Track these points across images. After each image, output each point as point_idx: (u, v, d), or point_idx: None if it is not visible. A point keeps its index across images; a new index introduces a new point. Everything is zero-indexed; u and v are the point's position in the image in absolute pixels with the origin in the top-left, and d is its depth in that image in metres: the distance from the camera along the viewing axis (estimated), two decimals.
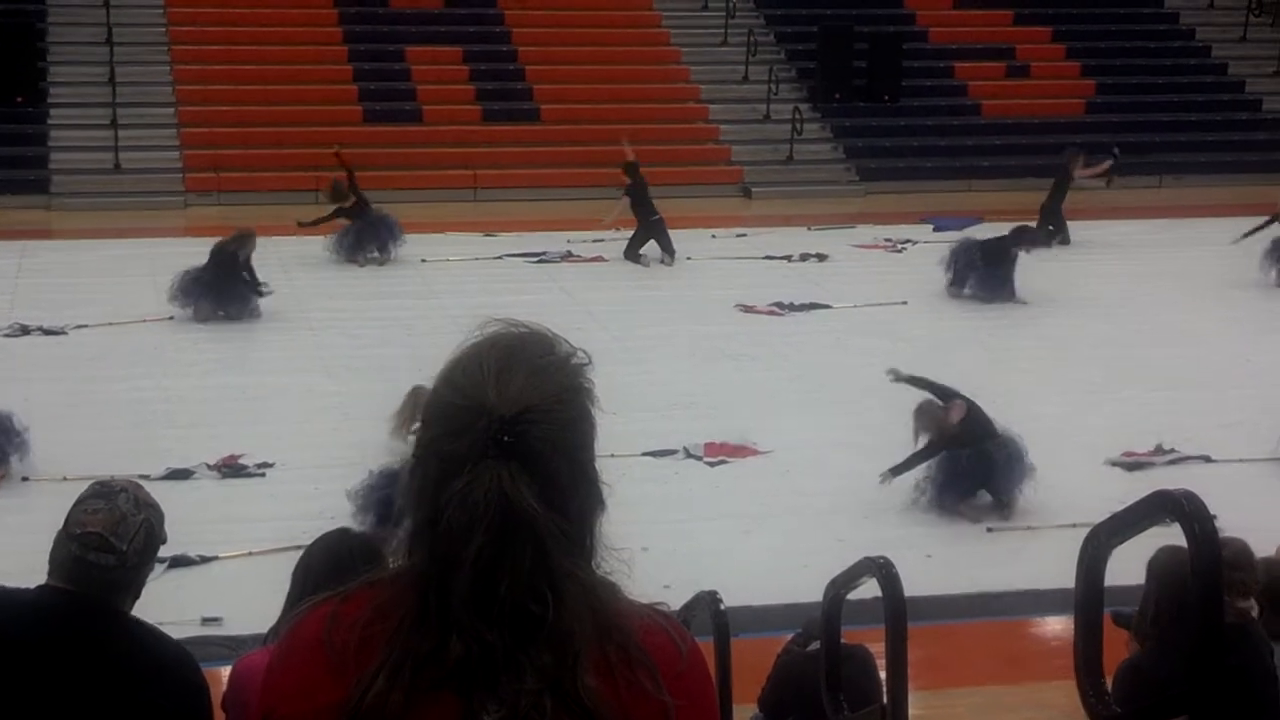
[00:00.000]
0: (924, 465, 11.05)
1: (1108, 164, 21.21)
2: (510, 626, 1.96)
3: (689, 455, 12.20)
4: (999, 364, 14.88)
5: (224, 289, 15.84)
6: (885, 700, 5.46)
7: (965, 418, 10.96)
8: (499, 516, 1.94)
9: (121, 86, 24.04)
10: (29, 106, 23.91)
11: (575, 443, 2.02)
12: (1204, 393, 13.95)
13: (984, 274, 17.21)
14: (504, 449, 1.96)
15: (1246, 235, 18.55)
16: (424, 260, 18.76)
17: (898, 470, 10.92)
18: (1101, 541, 3.99)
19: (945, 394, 11.18)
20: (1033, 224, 18.72)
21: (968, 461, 10.97)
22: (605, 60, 26.39)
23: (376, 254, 18.70)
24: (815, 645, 6.59)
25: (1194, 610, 3.47)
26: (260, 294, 16.10)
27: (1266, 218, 18.61)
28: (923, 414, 11.03)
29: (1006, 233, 17.57)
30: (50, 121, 23.94)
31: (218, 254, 15.96)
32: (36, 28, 24.83)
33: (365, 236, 18.71)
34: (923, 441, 10.95)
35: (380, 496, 9.88)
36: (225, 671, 3.96)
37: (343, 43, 26.00)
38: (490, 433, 1.96)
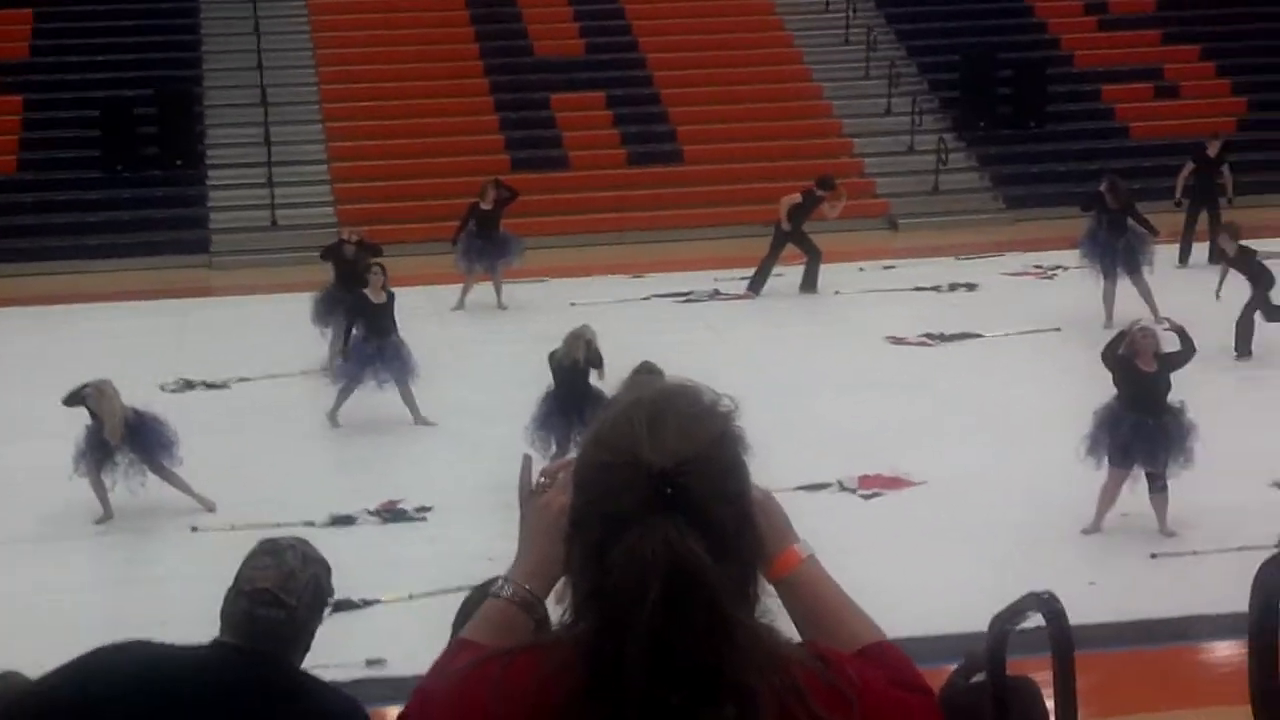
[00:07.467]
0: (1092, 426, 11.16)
1: None
2: (690, 685, 1.89)
3: (843, 488, 12.15)
4: None
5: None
6: None
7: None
8: (669, 573, 1.87)
9: (276, 146, 24.62)
10: (188, 169, 24.61)
11: (735, 490, 1.97)
12: None
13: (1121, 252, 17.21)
14: (667, 502, 1.90)
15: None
16: (573, 304, 18.89)
17: None
18: None
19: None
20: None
21: (1129, 430, 10.86)
22: (747, 99, 26.43)
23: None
24: (979, 678, 6.51)
25: None
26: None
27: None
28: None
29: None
30: (209, 183, 24.61)
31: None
32: (194, 92, 25.58)
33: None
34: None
35: (550, 419, 12.15)
36: (392, 712, 4.03)
37: (489, 93, 26.38)
38: (651, 487, 1.91)
